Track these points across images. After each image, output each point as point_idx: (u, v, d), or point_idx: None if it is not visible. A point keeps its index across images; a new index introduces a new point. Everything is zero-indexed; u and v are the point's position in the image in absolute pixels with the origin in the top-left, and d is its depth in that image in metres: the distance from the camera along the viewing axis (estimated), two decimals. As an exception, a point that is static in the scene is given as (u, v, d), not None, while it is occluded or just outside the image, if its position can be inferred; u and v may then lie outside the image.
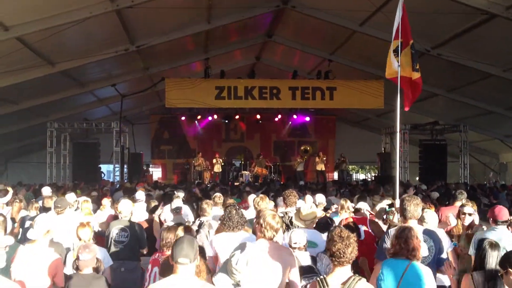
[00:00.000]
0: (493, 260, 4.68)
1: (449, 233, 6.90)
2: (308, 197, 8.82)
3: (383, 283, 4.36)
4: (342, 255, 3.93)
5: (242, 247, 4.32)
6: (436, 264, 5.43)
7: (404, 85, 7.46)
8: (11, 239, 5.41)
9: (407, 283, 4.37)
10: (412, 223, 5.48)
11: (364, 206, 8.52)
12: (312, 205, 7.95)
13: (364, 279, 3.95)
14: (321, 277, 3.96)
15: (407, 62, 7.35)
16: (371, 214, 8.59)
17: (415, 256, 4.51)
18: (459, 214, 7.35)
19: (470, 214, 7.21)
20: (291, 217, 7.38)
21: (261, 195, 7.70)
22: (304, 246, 5.75)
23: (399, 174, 8.44)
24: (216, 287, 4.09)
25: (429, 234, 5.57)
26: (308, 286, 4.52)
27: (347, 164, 25.28)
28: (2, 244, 4.88)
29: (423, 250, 5.10)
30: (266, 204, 7.67)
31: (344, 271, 3.97)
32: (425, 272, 4.48)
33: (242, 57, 22.30)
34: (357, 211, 8.32)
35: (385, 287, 4.37)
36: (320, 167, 24.25)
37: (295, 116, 26.48)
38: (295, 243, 5.65)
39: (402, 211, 5.62)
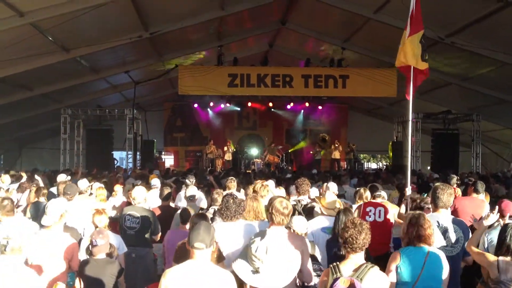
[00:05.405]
0: None
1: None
2: (332, 184, 8.69)
3: (405, 271, 4.34)
4: (354, 241, 3.95)
5: (261, 234, 4.34)
6: (464, 254, 5.39)
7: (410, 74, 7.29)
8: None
9: (429, 271, 4.37)
10: (443, 212, 5.48)
11: (383, 194, 8.20)
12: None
13: (376, 267, 3.96)
14: (334, 264, 3.97)
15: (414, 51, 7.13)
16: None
17: (430, 243, 4.51)
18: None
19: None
20: (303, 205, 7.40)
21: (262, 182, 7.46)
22: (305, 234, 5.71)
23: (411, 164, 8.24)
24: (227, 272, 4.13)
25: (459, 224, 5.51)
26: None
27: (354, 152, 25.21)
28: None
29: (439, 237, 5.11)
30: (267, 192, 7.47)
31: (357, 258, 3.99)
32: (442, 258, 4.50)
33: (255, 44, 22.23)
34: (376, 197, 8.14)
35: (407, 275, 4.33)
36: (335, 155, 24.24)
37: (307, 104, 26.42)
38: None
39: (434, 199, 5.55)
